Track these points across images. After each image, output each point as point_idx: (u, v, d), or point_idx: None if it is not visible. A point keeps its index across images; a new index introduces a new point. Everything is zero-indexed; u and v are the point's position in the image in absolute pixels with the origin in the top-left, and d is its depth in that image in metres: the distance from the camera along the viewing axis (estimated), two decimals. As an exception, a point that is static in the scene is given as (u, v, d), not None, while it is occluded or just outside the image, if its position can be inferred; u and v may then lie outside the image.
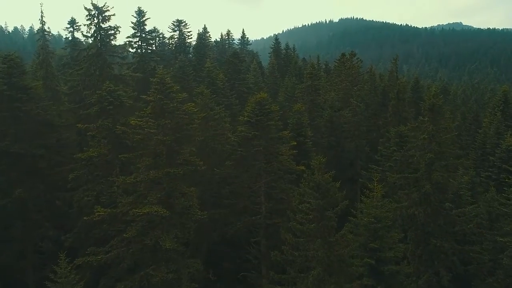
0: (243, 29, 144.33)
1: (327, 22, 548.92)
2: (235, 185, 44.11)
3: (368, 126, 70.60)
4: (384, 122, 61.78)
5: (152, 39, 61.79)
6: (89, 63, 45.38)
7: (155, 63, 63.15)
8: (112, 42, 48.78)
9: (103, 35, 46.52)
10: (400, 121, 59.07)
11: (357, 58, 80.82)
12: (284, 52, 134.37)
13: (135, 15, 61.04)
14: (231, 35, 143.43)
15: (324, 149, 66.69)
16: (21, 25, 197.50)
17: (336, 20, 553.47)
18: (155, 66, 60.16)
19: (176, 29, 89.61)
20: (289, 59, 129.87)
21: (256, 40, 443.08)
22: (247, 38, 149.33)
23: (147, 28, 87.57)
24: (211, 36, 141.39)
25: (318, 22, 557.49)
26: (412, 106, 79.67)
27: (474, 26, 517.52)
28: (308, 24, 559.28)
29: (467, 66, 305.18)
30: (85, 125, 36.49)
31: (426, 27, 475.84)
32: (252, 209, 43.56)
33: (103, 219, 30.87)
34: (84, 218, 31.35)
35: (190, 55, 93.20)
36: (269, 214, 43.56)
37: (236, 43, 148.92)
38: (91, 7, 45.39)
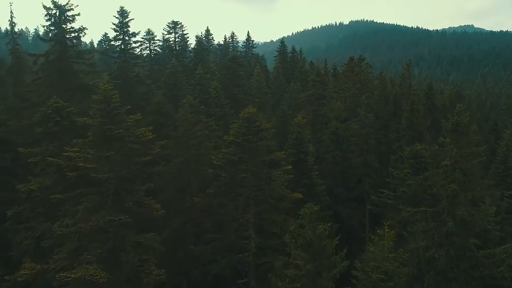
0: (248, 31, 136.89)
1: (337, 24, 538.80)
2: (219, 216, 36.75)
3: (378, 138, 63.00)
4: (396, 137, 53.98)
5: (136, 42, 54.53)
6: (49, 72, 38.16)
7: (139, 69, 55.84)
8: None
9: (67, 38, 39.36)
10: (414, 136, 51.30)
11: (366, 63, 73.22)
12: (290, 56, 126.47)
13: (117, 16, 53.67)
14: (235, 37, 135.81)
15: (328, 164, 59.42)
16: (26, 27, 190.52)
17: (346, 22, 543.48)
18: (139, 73, 52.91)
19: (171, 31, 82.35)
20: (295, 63, 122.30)
21: (265, 43, 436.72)
22: (252, 40, 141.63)
23: (146, 32, 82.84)
24: (214, 38, 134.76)
25: (328, 24, 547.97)
26: (426, 114, 72.03)
27: (486, 29, 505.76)
28: (318, 27, 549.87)
29: (480, 69, 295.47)
30: (28, 150, 29.20)
31: (437, 30, 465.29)
32: (239, 245, 36.19)
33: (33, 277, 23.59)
34: (6, 277, 24.11)
35: (187, 59, 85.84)
36: (259, 251, 36.15)
37: (241, 45, 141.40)
38: (51, 5, 38.18)
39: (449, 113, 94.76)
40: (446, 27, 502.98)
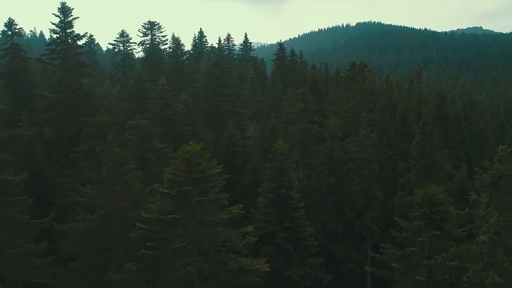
0: (245, 33, 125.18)
1: (344, 26, 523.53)
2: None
3: (382, 161, 51.41)
4: (404, 167, 42.15)
5: (81, 47, 43.12)
6: None
7: (89, 78, 44.28)
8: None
9: None
10: (427, 167, 39.53)
11: (368, 71, 61.28)
12: (289, 59, 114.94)
13: (57, 14, 42.21)
14: (231, 39, 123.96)
15: (321, 195, 48.14)
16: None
17: (353, 24, 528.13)
18: (82, 84, 41.40)
19: (147, 32, 70.80)
20: (294, 67, 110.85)
21: (271, 45, 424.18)
22: (250, 43, 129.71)
23: (119, 33, 71.69)
24: (208, 41, 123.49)
25: (334, 26, 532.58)
26: (437, 125, 60.49)
27: (495, 31, 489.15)
28: (325, 28, 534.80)
29: (490, 71, 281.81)
30: None
31: (445, 31, 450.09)
32: None
33: None
34: None
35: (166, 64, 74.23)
36: None
37: (238, 48, 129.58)
38: None
39: (462, 122, 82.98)
40: (454, 29, 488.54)
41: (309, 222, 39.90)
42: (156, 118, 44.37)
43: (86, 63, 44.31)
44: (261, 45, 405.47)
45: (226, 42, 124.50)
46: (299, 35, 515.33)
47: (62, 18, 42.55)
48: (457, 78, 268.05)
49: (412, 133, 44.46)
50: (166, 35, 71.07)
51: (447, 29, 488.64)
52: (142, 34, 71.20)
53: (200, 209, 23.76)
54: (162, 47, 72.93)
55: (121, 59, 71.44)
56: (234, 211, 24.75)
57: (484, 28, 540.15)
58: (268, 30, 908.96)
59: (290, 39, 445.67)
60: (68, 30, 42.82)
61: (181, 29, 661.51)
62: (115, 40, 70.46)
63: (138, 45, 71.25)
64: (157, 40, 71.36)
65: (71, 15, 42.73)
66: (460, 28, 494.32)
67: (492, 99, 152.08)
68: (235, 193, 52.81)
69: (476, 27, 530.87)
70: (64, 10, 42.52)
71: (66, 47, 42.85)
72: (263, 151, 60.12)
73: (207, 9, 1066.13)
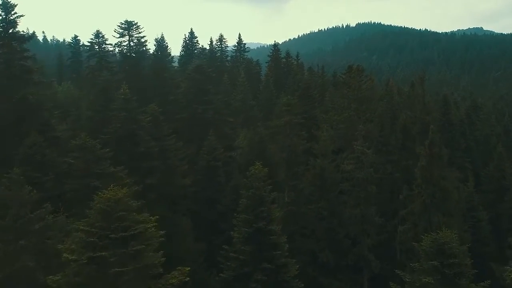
0: (239, 34, 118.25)
1: (344, 26, 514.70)
2: None
3: (381, 179, 44.69)
4: (407, 195, 35.13)
5: (26, 51, 36.07)
6: None
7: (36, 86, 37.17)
8: None
9: None
10: (434, 195, 32.48)
11: (366, 76, 54.44)
12: (284, 61, 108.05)
13: (-3, 11, 35.21)
14: (224, 40, 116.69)
15: (311, 221, 41.74)
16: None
17: (353, 24, 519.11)
18: (25, 96, 34.34)
19: (124, 33, 63.60)
20: (289, 70, 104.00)
21: (270, 45, 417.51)
22: (244, 44, 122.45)
23: (94, 34, 64.63)
24: (199, 42, 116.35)
25: (334, 26, 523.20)
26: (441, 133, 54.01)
27: (496, 31, 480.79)
28: (325, 29, 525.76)
29: (492, 72, 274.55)
30: None
31: (446, 32, 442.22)
32: None
33: None
34: None
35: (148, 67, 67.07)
36: None
37: (232, 49, 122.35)
38: None
39: (466, 129, 76.44)
40: (455, 29, 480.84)
41: (293, 260, 33.10)
42: (116, 133, 37.43)
43: (33, 68, 37.18)
44: (260, 45, 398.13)
45: (219, 43, 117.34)
46: (299, 35, 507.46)
47: (4, 16, 35.51)
48: (458, 79, 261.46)
49: (418, 152, 37.43)
50: (145, 36, 63.93)
51: (448, 29, 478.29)
52: (118, 35, 63.93)
53: (122, 282, 16.75)
54: (141, 49, 65.41)
55: (97, 62, 64.32)
56: (173, 280, 17.57)
57: (485, 28, 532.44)
58: (268, 30, 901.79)
59: (289, 39, 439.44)
60: (11, 30, 35.75)
61: (181, 31, 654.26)
62: (89, 42, 63.54)
63: (114, 46, 64.07)
64: (134, 41, 64.10)
65: (15, 13, 35.68)
66: (461, 29, 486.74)
67: (495, 102, 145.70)
68: (214, 214, 46.41)
69: (476, 27, 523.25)
70: (6, 7, 35.48)
71: (9, 50, 35.74)
72: (250, 165, 53.58)
73: (207, 10, 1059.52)
